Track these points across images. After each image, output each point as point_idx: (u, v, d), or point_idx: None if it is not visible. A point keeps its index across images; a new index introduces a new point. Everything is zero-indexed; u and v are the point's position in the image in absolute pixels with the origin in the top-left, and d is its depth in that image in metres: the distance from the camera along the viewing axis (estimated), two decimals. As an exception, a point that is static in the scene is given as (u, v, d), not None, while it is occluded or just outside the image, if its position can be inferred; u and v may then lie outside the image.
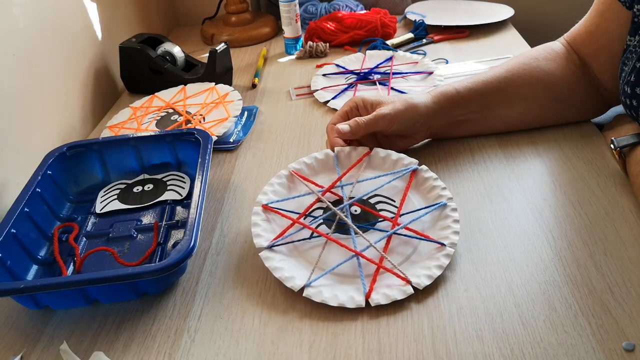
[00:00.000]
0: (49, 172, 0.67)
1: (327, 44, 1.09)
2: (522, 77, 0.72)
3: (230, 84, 0.98)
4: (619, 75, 0.67)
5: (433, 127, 0.70)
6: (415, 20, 1.14)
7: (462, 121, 0.72)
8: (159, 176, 0.72)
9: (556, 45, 0.75)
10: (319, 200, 0.61)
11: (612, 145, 0.63)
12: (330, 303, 0.50)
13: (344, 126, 0.65)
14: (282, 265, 0.54)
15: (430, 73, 0.93)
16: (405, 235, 0.57)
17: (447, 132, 0.73)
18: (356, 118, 0.66)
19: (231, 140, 0.81)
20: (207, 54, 0.93)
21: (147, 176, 0.73)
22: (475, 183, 0.66)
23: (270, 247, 0.56)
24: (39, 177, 0.64)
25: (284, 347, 0.48)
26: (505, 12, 1.15)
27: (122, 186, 0.71)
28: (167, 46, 1.00)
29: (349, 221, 0.58)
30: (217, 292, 0.55)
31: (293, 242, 0.58)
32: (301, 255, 0.57)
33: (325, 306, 0.51)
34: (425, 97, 0.69)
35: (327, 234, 0.57)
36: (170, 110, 0.88)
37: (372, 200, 0.62)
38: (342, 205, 0.60)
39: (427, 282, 0.52)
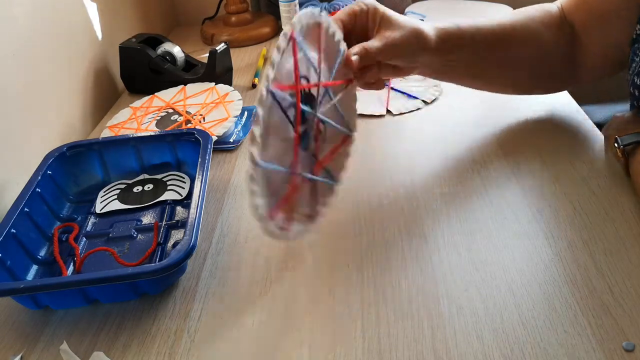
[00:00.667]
0: (49, 172, 0.67)
1: (327, 44, 1.08)
2: (523, 28, 0.70)
3: (230, 84, 0.98)
4: (629, 66, 0.66)
5: (427, 66, 0.67)
6: (415, 20, 1.14)
7: (454, 67, 0.69)
8: (159, 176, 0.72)
9: (553, 10, 0.73)
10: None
11: (615, 144, 0.62)
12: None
13: (354, 57, 0.58)
14: None
15: (430, 73, 0.93)
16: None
17: (439, 74, 0.70)
18: (365, 45, 0.58)
19: (231, 140, 0.81)
20: (207, 54, 0.93)
21: (147, 176, 0.73)
22: (475, 183, 0.66)
23: None
24: (39, 177, 0.64)
25: (284, 347, 0.48)
26: (505, 12, 1.15)
27: (122, 186, 0.71)
28: (167, 46, 1.00)
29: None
30: (217, 292, 0.55)
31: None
32: None
33: (326, 306, 0.51)
34: (432, 32, 0.64)
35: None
36: (170, 110, 0.88)
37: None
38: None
39: None
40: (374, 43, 0.59)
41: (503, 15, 0.72)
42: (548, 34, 0.71)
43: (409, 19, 0.63)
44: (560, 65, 0.72)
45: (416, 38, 0.62)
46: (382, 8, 0.62)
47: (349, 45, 0.59)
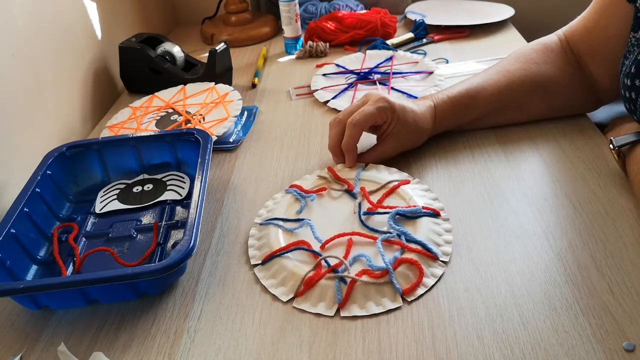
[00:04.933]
0: (48, 172, 0.67)
1: (327, 44, 1.08)
2: (522, 85, 0.72)
3: (230, 83, 0.97)
4: (620, 70, 0.66)
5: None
6: (415, 20, 1.14)
7: (468, 127, 0.75)
8: (158, 176, 0.72)
9: (554, 44, 0.75)
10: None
11: (610, 145, 0.63)
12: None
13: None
14: None
15: (431, 73, 0.93)
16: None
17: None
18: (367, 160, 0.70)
19: (231, 140, 0.81)
20: (207, 54, 0.93)
21: (146, 176, 0.73)
22: (476, 183, 0.66)
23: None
24: (39, 177, 0.64)
25: (284, 347, 0.48)
26: (505, 12, 1.15)
27: (122, 186, 0.71)
28: (167, 46, 1.00)
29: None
30: (216, 292, 0.55)
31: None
32: None
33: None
34: (428, 123, 0.70)
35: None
36: (170, 110, 0.88)
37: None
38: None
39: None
40: (372, 155, 0.69)
41: (504, 66, 0.74)
42: (555, 70, 0.73)
43: (416, 115, 0.68)
44: (577, 91, 0.74)
45: (415, 137, 0.70)
46: (397, 111, 0.67)
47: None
